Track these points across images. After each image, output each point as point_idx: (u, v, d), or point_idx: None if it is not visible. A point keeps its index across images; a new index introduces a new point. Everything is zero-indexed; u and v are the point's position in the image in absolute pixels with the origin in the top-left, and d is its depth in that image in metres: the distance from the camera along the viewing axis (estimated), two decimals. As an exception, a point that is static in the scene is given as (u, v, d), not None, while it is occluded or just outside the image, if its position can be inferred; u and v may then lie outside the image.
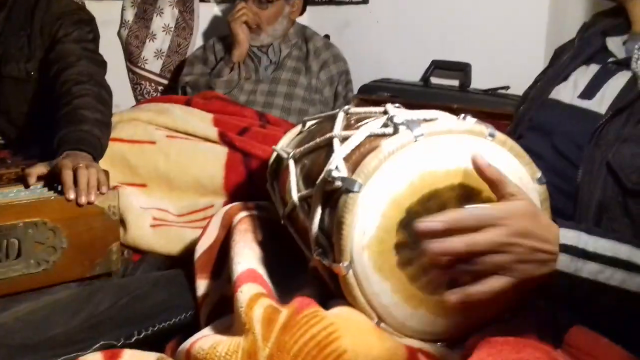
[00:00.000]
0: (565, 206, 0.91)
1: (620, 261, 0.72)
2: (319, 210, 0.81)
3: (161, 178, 1.43)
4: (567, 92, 1.03)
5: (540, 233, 0.70)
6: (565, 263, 0.71)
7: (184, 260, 1.16)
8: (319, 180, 0.82)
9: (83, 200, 1.07)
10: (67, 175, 1.07)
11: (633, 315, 0.74)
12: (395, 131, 0.80)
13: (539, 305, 0.83)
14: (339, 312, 0.77)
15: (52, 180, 1.11)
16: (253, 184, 1.40)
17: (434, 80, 2.06)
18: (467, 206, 0.69)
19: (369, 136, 0.83)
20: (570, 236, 0.72)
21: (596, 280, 0.72)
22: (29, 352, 0.89)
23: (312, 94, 1.94)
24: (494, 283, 0.69)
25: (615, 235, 0.75)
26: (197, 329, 0.93)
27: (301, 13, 2.05)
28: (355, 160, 0.80)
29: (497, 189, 0.71)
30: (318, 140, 0.92)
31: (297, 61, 1.97)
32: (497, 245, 0.67)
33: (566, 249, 0.71)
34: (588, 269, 0.71)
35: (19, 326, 0.93)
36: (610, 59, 1.01)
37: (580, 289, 0.72)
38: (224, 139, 1.49)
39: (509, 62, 1.92)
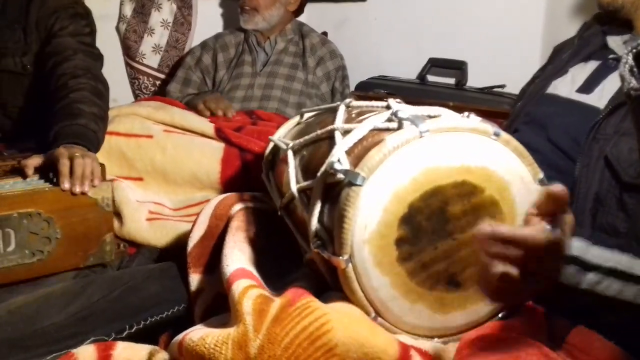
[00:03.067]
0: None
1: (619, 272, 0.72)
2: (319, 203, 0.81)
3: (157, 172, 1.43)
4: (565, 86, 1.03)
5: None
6: (570, 275, 0.71)
7: (180, 254, 1.16)
8: (320, 172, 0.81)
9: (77, 189, 1.08)
10: (63, 165, 1.08)
11: (629, 322, 0.74)
12: (400, 126, 0.79)
13: (533, 307, 0.83)
14: (333, 304, 0.77)
15: (47, 170, 1.11)
16: (249, 179, 1.40)
17: (431, 78, 2.06)
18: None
19: (373, 130, 0.82)
20: (577, 246, 0.71)
21: (594, 291, 0.72)
22: (19, 347, 0.89)
23: (309, 88, 1.95)
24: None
25: (616, 243, 0.75)
26: (191, 322, 0.93)
27: (300, 11, 2.05)
28: (357, 153, 0.80)
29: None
30: (319, 132, 0.91)
31: (294, 57, 1.97)
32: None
33: (572, 260, 0.71)
34: (587, 281, 0.71)
35: (11, 319, 0.93)
36: (611, 56, 1.01)
37: (579, 299, 0.73)
38: (220, 135, 1.49)
39: (505, 61, 1.92)
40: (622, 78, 0.58)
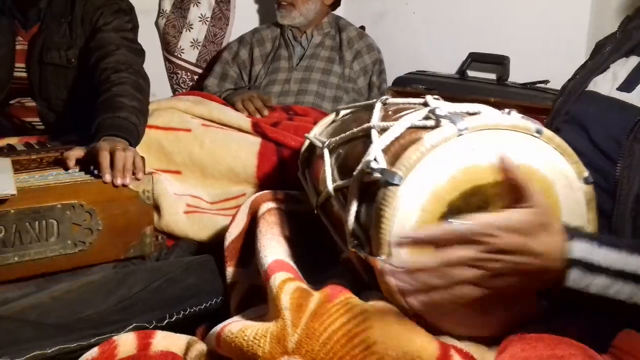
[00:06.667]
0: (603, 203, 0.88)
1: (628, 274, 0.70)
2: (355, 202, 0.80)
3: (195, 165, 1.45)
4: (606, 83, 1.00)
5: (534, 249, 0.67)
6: (576, 279, 0.68)
7: (216, 247, 1.17)
8: (356, 171, 0.81)
9: (119, 182, 1.09)
10: (104, 157, 1.10)
11: None
12: (438, 124, 0.78)
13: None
14: (373, 302, 0.76)
15: (89, 163, 1.14)
16: (285, 174, 1.41)
17: (471, 73, 2.02)
18: (451, 220, 0.67)
19: (410, 128, 0.81)
20: (582, 249, 0.69)
21: (606, 295, 0.69)
22: (64, 332, 0.91)
23: (346, 82, 1.94)
24: (464, 291, 0.69)
25: (626, 244, 0.72)
26: (227, 315, 0.94)
27: (337, 4, 2.04)
28: (394, 152, 0.79)
29: (516, 193, 0.69)
30: (355, 130, 0.90)
31: (330, 51, 1.96)
32: (468, 261, 0.67)
33: (576, 262, 0.68)
34: (597, 285, 0.69)
35: (54, 306, 0.95)
36: None
37: (589, 303, 0.71)
38: (256, 130, 1.50)
39: (549, 56, 1.87)
40: None
